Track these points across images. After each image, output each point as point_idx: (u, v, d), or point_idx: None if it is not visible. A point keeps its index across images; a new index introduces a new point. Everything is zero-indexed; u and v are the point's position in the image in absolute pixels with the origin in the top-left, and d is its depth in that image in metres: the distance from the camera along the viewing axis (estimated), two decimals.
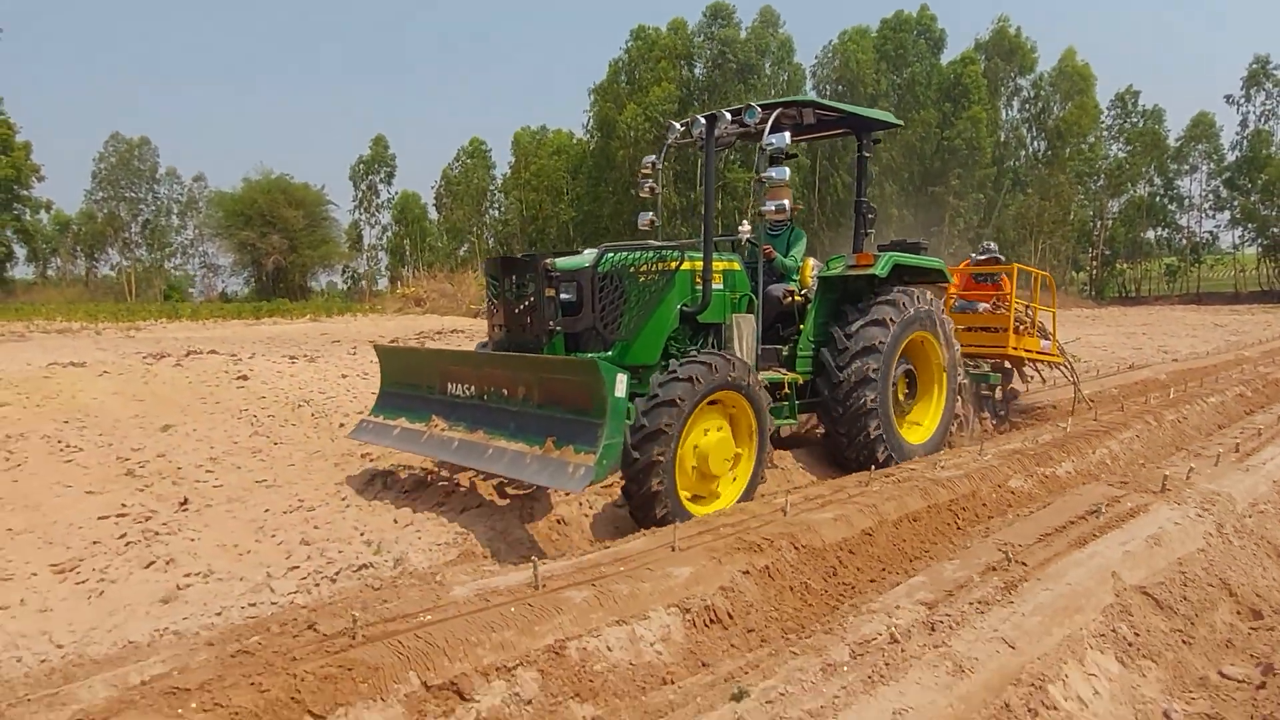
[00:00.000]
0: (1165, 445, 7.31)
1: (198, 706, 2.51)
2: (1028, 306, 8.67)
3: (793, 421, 6.18)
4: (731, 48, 43.23)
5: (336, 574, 4.24)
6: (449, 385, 5.32)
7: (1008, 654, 2.70)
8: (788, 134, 5.53)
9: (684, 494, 4.79)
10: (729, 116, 5.49)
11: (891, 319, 6.20)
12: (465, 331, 21.88)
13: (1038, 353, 8.80)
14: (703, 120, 5.72)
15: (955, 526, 4.74)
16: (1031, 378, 9.44)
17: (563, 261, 5.28)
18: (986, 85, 42.94)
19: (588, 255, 5.41)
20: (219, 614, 3.85)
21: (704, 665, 3.23)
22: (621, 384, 4.15)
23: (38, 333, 22.52)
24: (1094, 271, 49.58)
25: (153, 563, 4.31)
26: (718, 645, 3.37)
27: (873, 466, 5.77)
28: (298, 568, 4.30)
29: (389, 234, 58.48)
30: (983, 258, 9.55)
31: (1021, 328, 8.47)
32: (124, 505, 5.53)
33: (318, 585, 4.13)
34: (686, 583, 3.51)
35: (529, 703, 2.82)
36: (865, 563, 4.15)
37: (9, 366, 10.75)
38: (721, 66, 43.40)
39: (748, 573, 3.71)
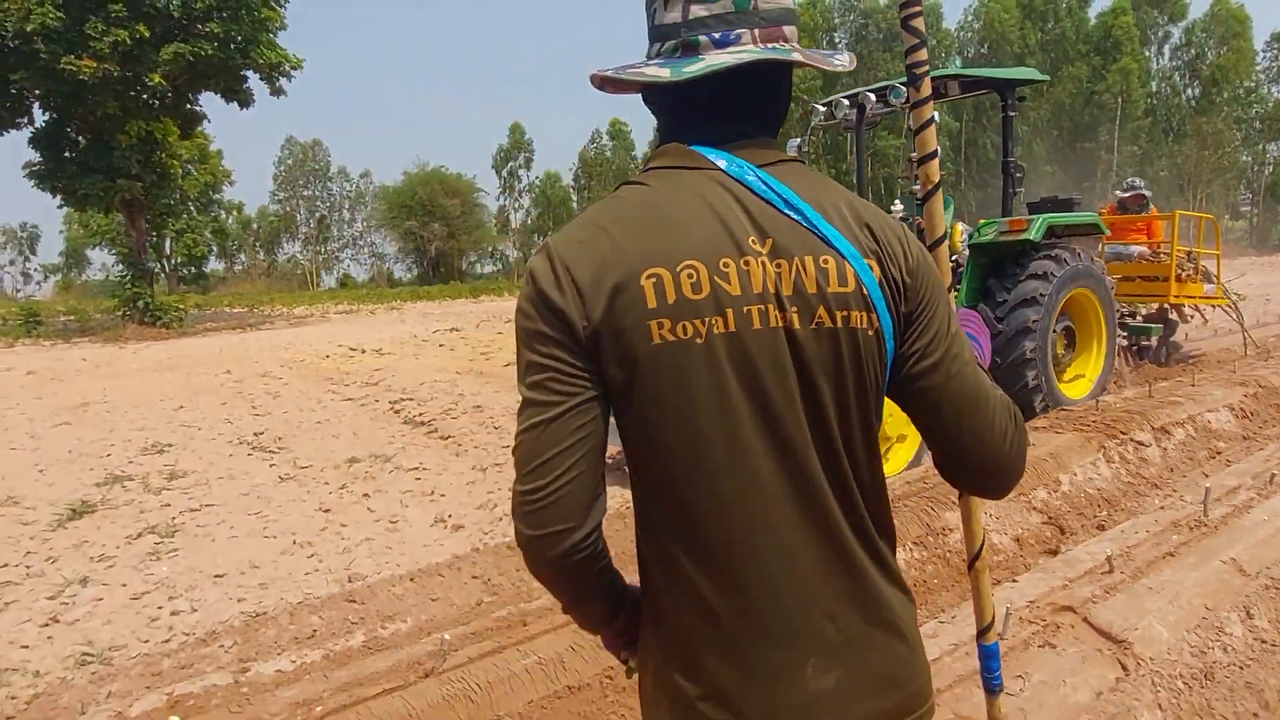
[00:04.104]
0: None
1: None
2: (1190, 252, 8.41)
3: None
4: (873, 18, 44.46)
5: None
6: None
7: None
8: (935, 115, 6.44)
9: None
10: (874, 98, 5.43)
11: (1053, 273, 6.18)
12: None
13: (1200, 297, 8.58)
14: (846, 102, 5.60)
15: None
16: (1192, 316, 9.24)
17: None
18: (1137, 36, 42.77)
19: None
20: None
21: (1254, 433, 5.77)
22: None
23: (327, 315, 26.81)
24: (1255, 218, 48.56)
25: None
26: (1249, 426, 5.90)
27: None
28: None
29: (530, 217, 62.45)
30: (1126, 195, 9.00)
31: (1184, 274, 8.19)
32: None
33: None
34: (1223, 397, 6.04)
35: (1183, 444, 5.43)
36: None
37: (390, 335, 14.27)
38: (864, 39, 44.72)
39: (1244, 395, 6.21)
